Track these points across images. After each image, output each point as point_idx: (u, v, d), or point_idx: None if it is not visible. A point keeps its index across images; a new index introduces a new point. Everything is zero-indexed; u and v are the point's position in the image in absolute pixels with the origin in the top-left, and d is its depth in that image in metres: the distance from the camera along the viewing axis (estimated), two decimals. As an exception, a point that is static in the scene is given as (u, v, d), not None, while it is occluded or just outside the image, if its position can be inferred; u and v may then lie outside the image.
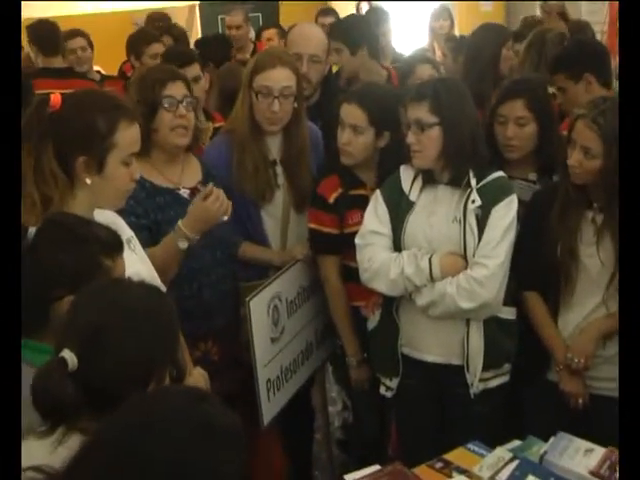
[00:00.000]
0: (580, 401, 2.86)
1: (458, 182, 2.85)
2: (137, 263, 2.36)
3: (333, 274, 3.24)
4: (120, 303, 1.71)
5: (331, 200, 3.17)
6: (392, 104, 3.08)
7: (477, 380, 2.90)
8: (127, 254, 2.13)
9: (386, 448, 3.54)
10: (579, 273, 2.80)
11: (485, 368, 2.89)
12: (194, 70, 3.93)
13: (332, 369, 3.94)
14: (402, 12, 7.76)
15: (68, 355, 1.62)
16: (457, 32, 6.87)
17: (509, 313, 2.94)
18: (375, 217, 2.94)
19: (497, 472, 2.11)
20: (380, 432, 3.51)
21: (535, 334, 2.94)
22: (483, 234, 2.80)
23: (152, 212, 2.91)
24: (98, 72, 6.31)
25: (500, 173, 2.92)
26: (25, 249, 1.91)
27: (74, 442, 1.52)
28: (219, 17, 9.47)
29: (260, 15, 9.80)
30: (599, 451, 2.15)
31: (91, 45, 6.03)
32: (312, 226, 3.23)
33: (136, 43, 5.30)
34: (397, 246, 2.90)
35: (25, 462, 1.54)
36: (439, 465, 2.20)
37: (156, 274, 2.50)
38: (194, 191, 3.02)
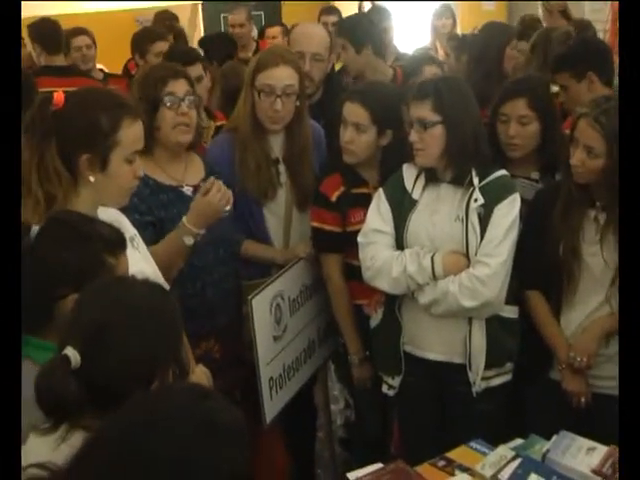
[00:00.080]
0: (582, 400, 2.86)
1: (461, 181, 2.85)
2: (140, 261, 2.36)
3: (335, 272, 3.24)
4: (124, 301, 1.71)
5: (333, 198, 3.17)
6: (394, 102, 3.08)
7: (479, 379, 2.90)
8: (130, 252, 2.14)
9: (388, 446, 3.55)
10: (582, 272, 2.80)
11: (487, 367, 2.89)
12: (197, 69, 3.93)
13: (334, 367, 3.94)
14: (404, 11, 7.76)
15: (71, 353, 1.62)
16: (459, 31, 6.88)
17: (511, 312, 2.94)
18: (378, 215, 2.94)
19: (499, 470, 2.12)
20: (382, 430, 3.51)
21: (537, 333, 2.94)
22: (485, 233, 2.80)
23: (156, 209, 2.91)
24: (101, 70, 6.32)
25: (503, 172, 2.92)
26: (28, 247, 1.92)
27: (77, 440, 1.52)
28: (222, 16, 9.48)
29: (263, 14, 9.80)
30: (601, 449, 2.16)
31: (94, 43, 6.04)
32: (314, 224, 3.23)
33: (141, 41, 5.29)
34: (400, 244, 2.90)
35: (28, 459, 1.55)
36: (441, 463, 2.21)
37: (159, 272, 2.50)
38: (197, 189, 3.03)
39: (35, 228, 1.96)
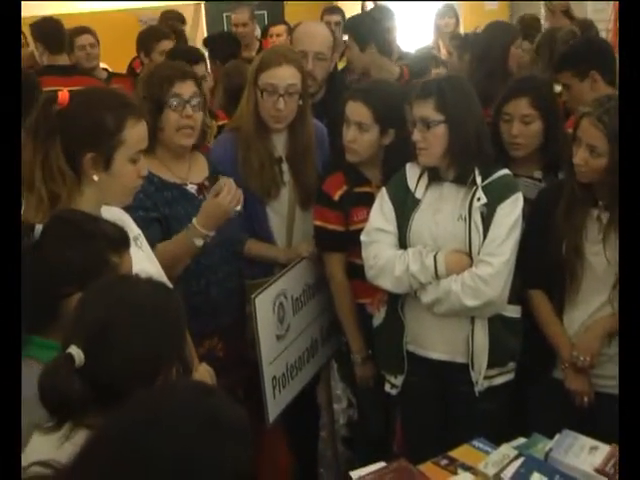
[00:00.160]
0: (585, 399, 2.86)
1: (463, 180, 2.85)
2: (144, 260, 2.37)
3: (338, 271, 3.24)
4: (127, 300, 1.71)
5: (336, 197, 3.18)
6: (397, 101, 3.08)
7: (482, 378, 2.90)
8: (134, 251, 2.14)
9: (391, 445, 3.54)
10: (584, 271, 2.80)
11: (490, 366, 2.89)
12: (200, 69, 3.95)
13: (337, 366, 3.95)
14: (407, 10, 7.76)
15: (75, 351, 1.62)
16: (462, 30, 6.87)
17: (514, 311, 2.94)
18: (381, 215, 2.94)
19: (502, 469, 2.11)
20: (385, 429, 3.51)
21: (540, 332, 2.94)
22: (488, 232, 2.81)
23: (161, 206, 2.92)
24: (105, 70, 6.32)
25: (505, 171, 2.92)
26: (32, 246, 1.92)
27: (81, 438, 1.51)
28: (224, 15, 9.48)
29: (266, 13, 9.81)
30: (604, 449, 2.16)
31: (98, 42, 6.04)
32: (317, 223, 3.23)
33: (146, 40, 5.30)
34: (402, 243, 2.91)
35: (32, 457, 1.55)
36: (444, 462, 2.21)
37: (163, 271, 2.51)
38: (201, 187, 3.05)
39: (39, 227, 1.96)
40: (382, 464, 2.19)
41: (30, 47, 5.93)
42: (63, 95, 2.19)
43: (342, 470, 3.81)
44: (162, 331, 1.69)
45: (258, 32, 7.18)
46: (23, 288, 1.78)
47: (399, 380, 3.06)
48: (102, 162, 2.21)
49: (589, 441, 2.21)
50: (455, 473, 2.16)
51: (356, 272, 3.13)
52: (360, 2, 8.07)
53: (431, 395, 3.06)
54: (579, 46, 3.76)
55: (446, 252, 2.83)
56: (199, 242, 2.77)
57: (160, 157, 2.99)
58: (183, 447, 1.21)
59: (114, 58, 6.86)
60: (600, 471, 2.08)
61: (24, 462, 1.61)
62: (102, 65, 6.33)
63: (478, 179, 2.84)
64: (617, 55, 3.69)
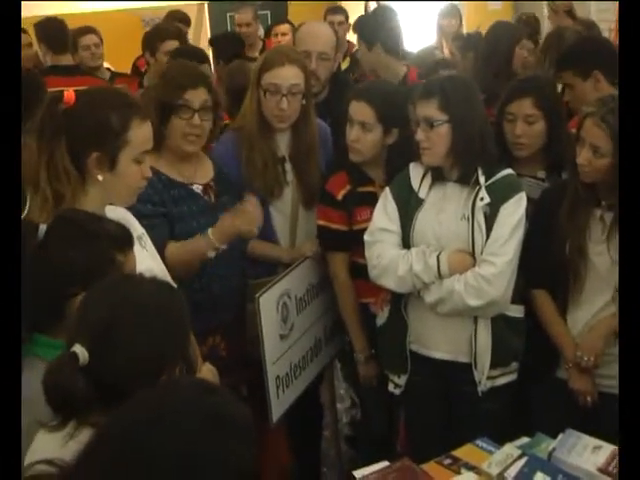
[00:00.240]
0: (589, 399, 2.86)
1: (467, 179, 2.86)
2: (148, 259, 2.37)
3: (342, 271, 3.25)
4: (131, 299, 1.71)
5: (339, 197, 3.18)
6: (400, 101, 3.09)
7: (485, 378, 2.90)
8: (138, 251, 2.14)
9: (394, 444, 3.54)
10: (588, 271, 2.80)
11: (493, 366, 2.90)
12: (204, 70, 3.93)
13: (340, 366, 3.95)
14: (410, 10, 7.75)
15: (79, 350, 1.62)
16: (465, 31, 6.86)
17: (517, 311, 2.94)
18: (384, 214, 2.94)
19: (506, 469, 2.11)
20: (388, 429, 3.52)
21: (544, 332, 2.94)
22: (491, 232, 2.81)
23: (168, 203, 2.94)
24: (108, 69, 6.32)
25: (509, 171, 2.92)
26: (37, 246, 1.92)
27: (85, 436, 1.51)
28: (228, 15, 9.48)
29: (269, 13, 9.81)
30: (607, 448, 2.15)
31: (102, 42, 6.05)
32: (321, 223, 3.24)
33: (151, 39, 5.30)
34: (406, 243, 2.91)
35: (37, 455, 1.56)
36: (448, 461, 2.21)
37: (167, 271, 2.51)
38: (206, 187, 3.06)
39: (42, 227, 1.96)
40: (385, 463, 2.19)
41: (34, 47, 5.93)
42: (69, 95, 2.20)
43: (345, 469, 3.82)
44: (166, 330, 1.70)
45: (261, 32, 7.19)
46: (28, 288, 1.78)
47: (402, 380, 3.06)
48: (107, 162, 2.21)
49: (592, 441, 2.21)
50: (458, 472, 2.16)
51: (359, 272, 3.13)
52: (363, 2, 8.08)
53: (434, 395, 3.06)
54: (581, 45, 3.75)
55: (449, 252, 2.83)
56: (211, 253, 2.84)
57: (167, 157, 3.01)
58: (186, 444, 1.20)
59: (117, 58, 6.87)
60: (603, 471, 2.08)
61: (29, 460, 1.62)
62: (105, 65, 6.34)
63: (481, 179, 2.84)
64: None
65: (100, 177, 2.22)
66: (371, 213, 3.02)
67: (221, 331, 3.09)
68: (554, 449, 2.18)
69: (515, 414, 2.98)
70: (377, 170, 3.19)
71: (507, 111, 3.14)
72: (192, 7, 9.23)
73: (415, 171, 2.96)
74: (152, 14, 8.52)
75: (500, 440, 2.28)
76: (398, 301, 2.99)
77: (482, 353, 2.88)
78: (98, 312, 1.68)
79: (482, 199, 2.81)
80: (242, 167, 3.24)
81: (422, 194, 2.91)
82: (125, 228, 2.03)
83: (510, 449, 2.21)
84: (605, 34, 5.33)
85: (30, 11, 6.08)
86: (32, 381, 1.68)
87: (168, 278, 2.30)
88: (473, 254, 2.83)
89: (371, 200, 3.09)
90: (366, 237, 2.97)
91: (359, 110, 3.10)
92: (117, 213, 2.29)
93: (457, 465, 2.19)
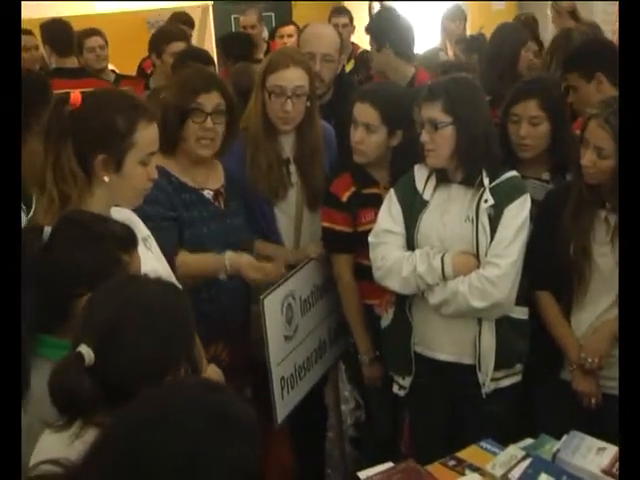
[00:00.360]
0: (593, 400, 2.86)
1: (471, 181, 2.86)
2: (153, 261, 2.38)
3: (346, 272, 3.25)
4: (136, 300, 1.72)
5: (344, 199, 3.19)
6: (405, 103, 3.09)
7: (489, 379, 2.90)
8: (143, 252, 2.15)
9: (399, 446, 3.55)
10: (592, 272, 2.80)
11: (497, 368, 2.90)
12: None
13: (345, 368, 3.95)
14: (413, 11, 7.75)
15: (85, 350, 1.63)
16: (469, 31, 6.85)
17: (521, 313, 2.94)
18: (389, 216, 2.95)
19: (510, 470, 2.12)
20: (393, 430, 3.52)
21: (548, 333, 2.94)
22: (496, 233, 2.81)
23: (178, 207, 2.95)
24: (113, 71, 6.33)
25: (513, 172, 2.92)
26: (42, 248, 1.93)
27: (91, 436, 1.52)
28: (232, 17, 9.50)
29: (273, 15, 9.82)
30: (611, 450, 2.15)
31: (107, 44, 6.06)
32: (325, 224, 3.24)
33: (157, 41, 5.31)
34: (410, 245, 2.91)
35: (42, 455, 1.57)
36: (452, 463, 2.21)
37: (172, 272, 2.52)
38: (217, 194, 3.08)
39: (47, 229, 1.96)
40: (390, 464, 2.19)
41: (40, 49, 5.94)
42: (75, 96, 2.20)
43: (349, 470, 3.81)
44: (171, 331, 1.70)
45: (266, 34, 7.19)
46: (34, 289, 1.79)
47: (407, 381, 3.06)
48: (113, 164, 2.22)
49: (596, 442, 2.21)
50: (463, 474, 2.16)
51: (364, 273, 3.13)
52: (367, 2, 8.09)
53: (439, 396, 3.06)
54: (585, 48, 3.75)
55: (453, 253, 2.84)
56: (222, 276, 2.89)
57: (180, 161, 3.03)
58: (191, 444, 1.21)
59: (122, 60, 6.87)
60: (607, 472, 2.08)
61: (34, 460, 1.62)
62: (110, 67, 6.35)
63: (486, 181, 2.84)
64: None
65: (106, 179, 2.22)
66: (375, 215, 3.02)
67: (225, 337, 3.07)
68: (558, 450, 2.18)
69: (519, 415, 2.98)
70: (381, 172, 3.19)
71: (512, 112, 3.14)
72: (197, 9, 9.24)
73: (420, 173, 2.96)
74: (157, 16, 8.52)
75: (504, 441, 2.28)
76: (402, 303, 2.99)
77: (486, 355, 2.88)
78: (104, 313, 1.69)
79: (486, 201, 2.81)
80: (246, 169, 3.24)
81: (426, 196, 2.91)
82: (129, 228, 2.03)
83: (514, 450, 2.21)
84: (609, 36, 5.32)
85: (30, 11, 6.09)
86: (39, 381, 1.68)
87: (173, 279, 2.31)
88: (477, 256, 2.83)
89: (375, 202, 3.09)
90: (370, 239, 2.97)
91: (363, 112, 3.10)
92: (122, 214, 2.30)
93: (461, 466, 2.19)
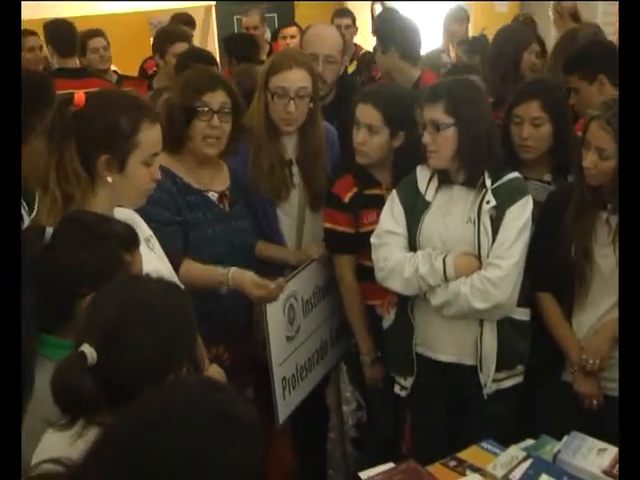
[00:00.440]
0: (594, 402, 2.86)
1: (473, 182, 2.86)
2: (155, 261, 2.38)
3: (348, 273, 3.25)
4: (139, 300, 1.72)
5: (346, 199, 3.19)
6: (407, 104, 3.09)
7: (490, 381, 2.91)
8: (146, 252, 2.15)
9: (400, 446, 3.55)
10: (593, 274, 2.80)
11: (498, 369, 2.90)
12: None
13: (346, 368, 3.95)
14: (416, 13, 7.75)
15: (87, 350, 1.63)
16: (471, 32, 6.85)
17: (523, 314, 2.94)
18: (391, 217, 2.95)
19: (510, 471, 2.12)
20: (394, 431, 3.52)
21: (549, 335, 2.94)
22: (497, 235, 2.81)
23: (183, 209, 2.95)
24: (115, 72, 6.34)
25: (515, 174, 2.92)
26: (44, 248, 1.93)
27: (93, 435, 1.52)
28: (235, 18, 9.50)
29: (276, 16, 9.83)
30: (612, 451, 2.16)
31: (109, 44, 6.07)
32: (327, 225, 3.24)
33: (161, 42, 5.32)
34: (412, 246, 2.91)
35: (44, 454, 1.57)
36: (453, 463, 2.21)
37: (174, 272, 2.52)
38: (222, 196, 3.08)
39: (49, 230, 1.97)
40: (391, 465, 2.19)
41: (44, 49, 5.94)
42: (79, 97, 2.21)
43: (351, 471, 3.82)
44: (173, 331, 1.70)
45: (268, 35, 7.19)
46: (35, 289, 1.79)
47: (408, 382, 3.06)
48: (116, 164, 2.22)
49: (597, 443, 2.21)
50: (464, 474, 2.16)
51: (366, 274, 3.14)
52: (370, 2, 8.09)
53: (440, 397, 3.06)
54: (586, 49, 3.76)
55: (455, 255, 2.84)
56: (224, 290, 2.89)
57: (186, 162, 3.03)
58: (193, 443, 1.21)
59: (124, 61, 6.88)
60: (608, 473, 2.08)
61: (36, 459, 1.63)
62: (112, 68, 6.36)
63: (488, 182, 2.84)
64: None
65: (109, 179, 2.23)
66: (377, 216, 3.02)
67: (225, 340, 3.07)
68: (559, 451, 2.18)
69: (520, 416, 2.98)
70: (384, 173, 3.20)
71: (514, 114, 3.14)
72: (199, 9, 9.25)
73: (422, 174, 2.96)
74: (160, 17, 8.52)
75: (505, 442, 2.29)
76: (404, 304, 3.00)
77: (488, 356, 2.88)
78: (106, 312, 1.70)
79: (488, 202, 2.82)
80: (249, 169, 3.25)
81: (429, 197, 2.92)
82: (131, 228, 2.04)
83: (515, 451, 2.22)
84: (611, 37, 5.32)
85: (31, 11, 6.09)
86: (41, 381, 1.69)
87: (175, 279, 2.31)
88: (479, 257, 2.83)
89: (378, 203, 3.09)
90: (373, 240, 2.98)
91: (366, 113, 3.11)
92: (124, 214, 2.30)
93: (462, 467, 2.19)
